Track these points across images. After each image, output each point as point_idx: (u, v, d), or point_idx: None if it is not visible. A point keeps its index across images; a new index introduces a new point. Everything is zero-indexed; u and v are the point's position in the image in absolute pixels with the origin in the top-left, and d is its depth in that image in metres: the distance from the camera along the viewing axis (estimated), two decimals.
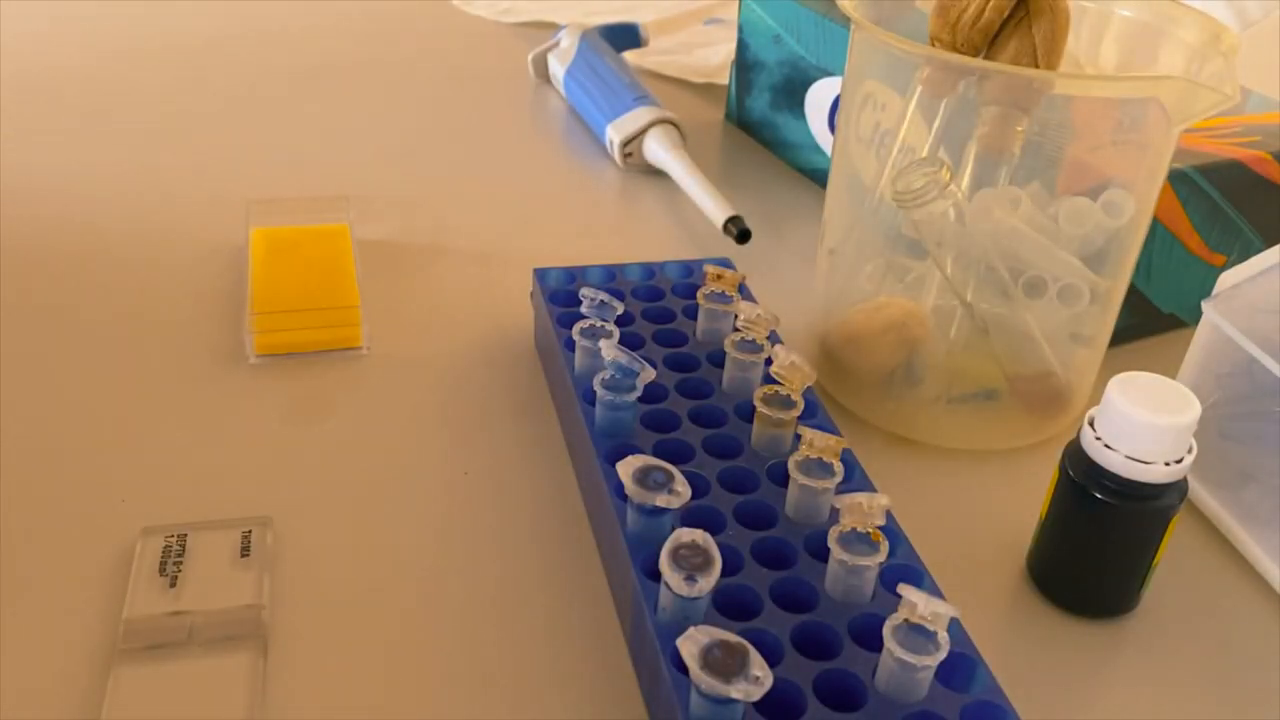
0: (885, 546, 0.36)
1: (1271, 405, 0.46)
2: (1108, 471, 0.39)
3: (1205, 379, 0.47)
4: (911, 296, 0.52)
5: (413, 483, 0.46)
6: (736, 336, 0.46)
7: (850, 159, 0.52)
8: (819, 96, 0.72)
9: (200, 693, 0.35)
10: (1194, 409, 0.38)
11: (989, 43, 0.45)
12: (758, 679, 0.30)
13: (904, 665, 0.32)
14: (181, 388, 0.51)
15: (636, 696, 0.37)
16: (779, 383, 0.43)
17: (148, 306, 0.57)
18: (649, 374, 0.43)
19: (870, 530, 0.36)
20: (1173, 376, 0.40)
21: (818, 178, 0.74)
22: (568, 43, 0.87)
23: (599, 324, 0.47)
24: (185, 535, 0.41)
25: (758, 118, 0.80)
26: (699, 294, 0.50)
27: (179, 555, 0.40)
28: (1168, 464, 0.38)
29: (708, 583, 0.34)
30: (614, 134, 0.75)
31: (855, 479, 0.42)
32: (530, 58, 0.90)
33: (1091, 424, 0.40)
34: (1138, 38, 0.50)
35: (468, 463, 0.48)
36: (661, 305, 0.52)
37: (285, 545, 0.42)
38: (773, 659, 0.34)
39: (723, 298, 0.50)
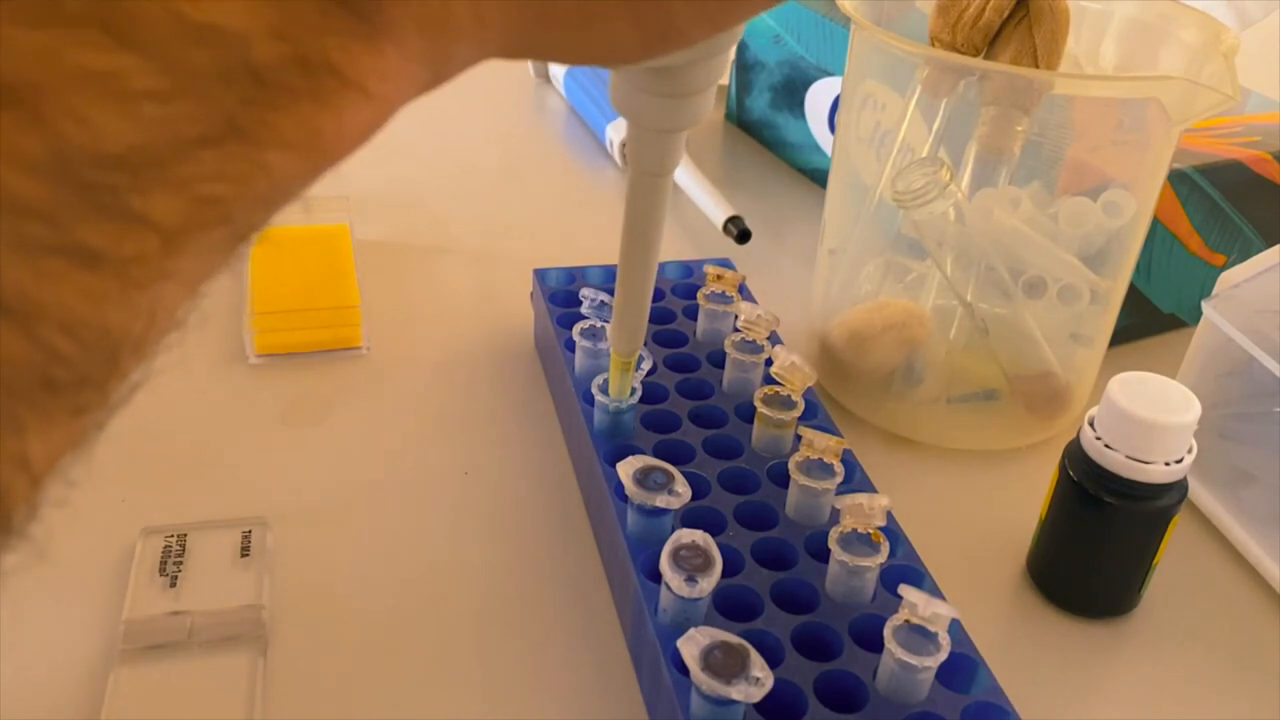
0: (886, 547, 0.36)
1: (1271, 405, 0.46)
2: (1108, 471, 0.39)
3: (1205, 379, 0.47)
4: (911, 296, 0.52)
5: (413, 483, 0.46)
6: (737, 337, 0.46)
7: (850, 159, 0.52)
8: (819, 96, 0.72)
9: (200, 693, 0.35)
10: (1194, 409, 0.38)
11: (989, 43, 0.45)
12: (758, 680, 0.30)
13: (905, 666, 0.32)
14: (181, 388, 0.51)
15: (636, 697, 0.37)
16: (779, 383, 0.43)
17: None
18: (644, 370, 0.43)
19: (871, 531, 0.36)
20: (1173, 376, 0.40)
21: (818, 178, 0.74)
22: None
23: (599, 324, 0.47)
24: (185, 535, 0.41)
25: (758, 118, 0.80)
26: (699, 294, 0.50)
27: (179, 555, 0.40)
28: (1168, 464, 0.38)
29: (708, 584, 0.34)
30: (614, 134, 0.75)
31: (855, 479, 0.42)
32: None
33: (1091, 424, 0.40)
34: (1138, 38, 0.50)
35: (468, 463, 0.48)
36: (661, 305, 0.52)
37: (285, 545, 0.42)
38: (773, 660, 0.34)
39: (723, 298, 0.50)
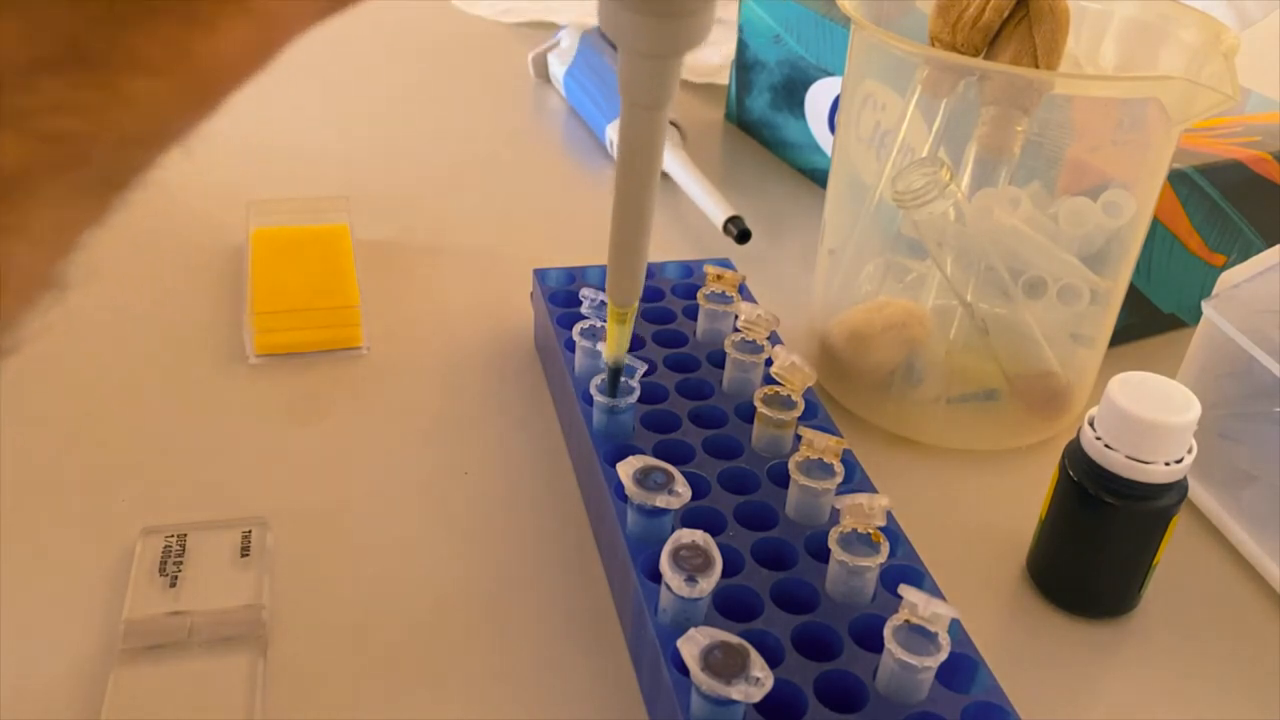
0: (885, 547, 0.36)
1: (1271, 405, 0.46)
2: (1108, 471, 0.39)
3: (1205, 379, 0.47)
4: (911, 296, 0.52)
5: (413, 483, 0.46)
6: (737, 337, 0.46)
7: (850, 159, 0.52)
8: (819, 96, 0.72)
9: (200, 693, 0.35)
10: (1194, 409, 0.38)
11: (989, 43, 0.45)
12: (758, 680, 0.30)
13: (905, 666, 0.32)
14: (181, 388, 0.51)
15: (636, 697, 0.37)
16: (779, 383, 0.43)
17: (148, 306, 0.57)
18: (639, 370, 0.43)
19: (871, 531, 0.36)
20: (1173, 376, 0.40)
21: (818, 178, 0.74)
22: (568, 43, 0.87)
23: (599, 324, 0.47)
24: (185, 535, 0.41)
25: (758, 118, 0.80)
26: (699, 294, 0.50)
27: (179, 555, 0.40)
28: (1168, 464, 0.38)
29: (708, 584, 0.34)
30: (614, 134, 0.75)
31: (856, 479, 0.42)
32: (530, 58, 0.90)
33: (1091, 424, 0.40)
34: (1138, 38, 0.50)
35: (468, 463, 0.48)
36: (661, 305, 0.52)
37: (285, 545, 0.42)
38: (773, 660, 0.34)
39: (723, 298, 0.50)
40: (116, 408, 0.49)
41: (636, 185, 0.34)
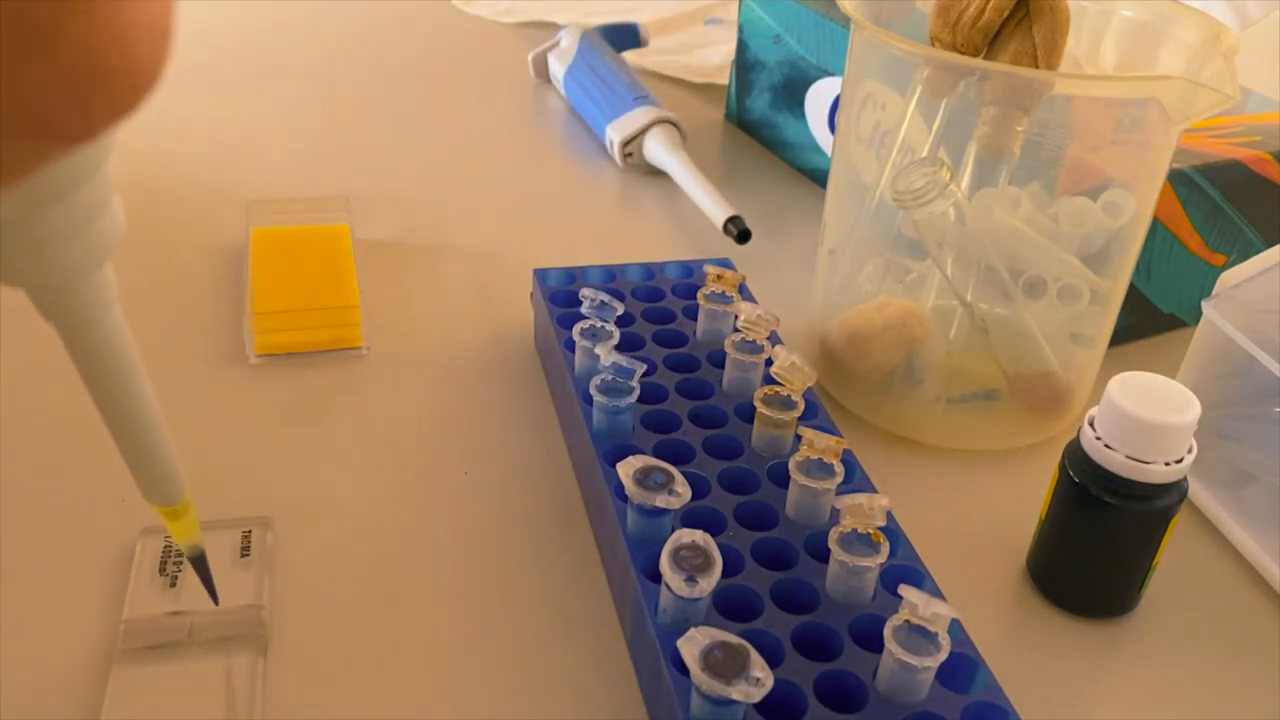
0: (886, 547, 0.36)
1: (1271, 405, 0.46)
2: (1108, 471, 0.39)
3: (1205, 379, 0.47)
4: (911, 296, 0.52)
5: (413, 483, 0.46)
6: (737, 337, 0.46)
7: (850, 159, 0.52)
8: (819, 96, 0.72)
9: (200, 693, 0.35)
10: (1194, 409, 0.38)
11: (989, 43, 0.45)
12: (758, 680, 0.30)
13: (905, 666, 0.32)
14: (181, 388, 0.51)
15: (636, 697, 0.37)
16: (779, 383, 0.43)
17: (148, 306, 0.57)
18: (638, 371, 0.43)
19: (871, 531, 0.36)
20: (1173, 376, 0.40)
21: (818, 178, 0.74)
22: (568, 43, 0.87)
23: (599, 324, 0.47)
24: None
25: (758, 118, 0.80)
26: (699, 294, 0.50)
27: (179, 555, 0.40)
28: (1168, 464, 0.38)
29: (708, 584, 0.34)
30: (614, 134, 0.75)
31: (856, 479, 0.42)
32: (530, 58, 0.90)
33: (1091, 424, 0.40)
34: (1138, 38, 0.50)
35: (468, 463, 0.48)
36: (661, 305, 0.52)
37: (285, 545, 0.42)
38: (773, 660, 0.34)
39: (723, 298, 0.50)
40: None
41: (120, 374, 0.29)
